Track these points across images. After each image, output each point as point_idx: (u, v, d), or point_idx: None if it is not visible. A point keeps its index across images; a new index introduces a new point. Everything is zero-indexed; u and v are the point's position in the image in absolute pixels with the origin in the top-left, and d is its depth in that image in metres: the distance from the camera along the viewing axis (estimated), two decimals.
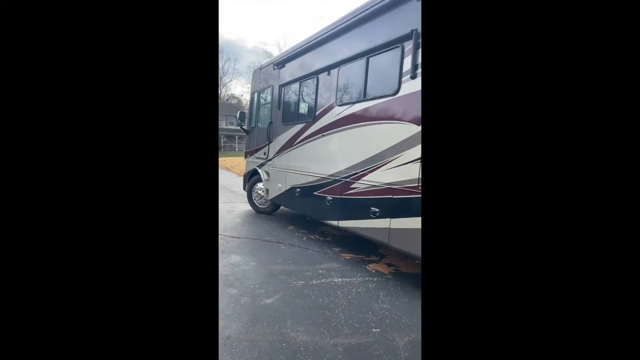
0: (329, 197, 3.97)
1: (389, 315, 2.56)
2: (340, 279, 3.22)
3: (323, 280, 3.16)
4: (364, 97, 3.50)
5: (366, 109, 3.46)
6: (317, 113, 4.31)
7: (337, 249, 4.22)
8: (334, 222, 3.93)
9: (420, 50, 2.84)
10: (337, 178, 3.85)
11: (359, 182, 3.51)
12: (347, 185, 3.68)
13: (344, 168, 3.74)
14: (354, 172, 3.58)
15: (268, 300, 2.67)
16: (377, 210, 3.27)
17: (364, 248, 4.22)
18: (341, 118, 3.82)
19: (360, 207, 3.49)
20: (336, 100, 3.94)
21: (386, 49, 3.23)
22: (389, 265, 3.75)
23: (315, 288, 2.97)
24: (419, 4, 2.83)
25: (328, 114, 4.08)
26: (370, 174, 3.36)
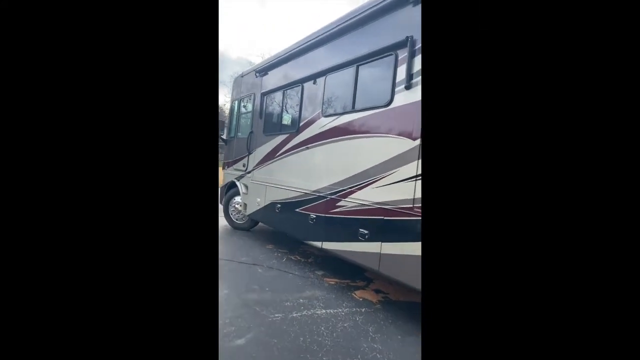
0: (313, 215, 3.62)
1: (381, 358, 2.20)
2: (324, 311, 2.84)
3: (305, 313, 2.77)
4: (353, 109, 3.22)
5: (355, 121, 3.18)
6: (301, 124, 4.00)
7: (320, 273, 3.84)
8: (318, 243, 3.56)
9: (415, 58, 2.61)
10: (322, 194, 3.52)
11: (346, 199, 3.19)
12: (333, 203, 3.35)
13: (330, 184, 3.42)
14: (341, 188, 3.26)
15: (239, 341, 2.25)
16: (366, 232, 2.94)
17: (349, 271, 3.87)
18: (328, 130, 3.52)
19: (348, 228, 3.15)
20: (322, 111, 3.65)
21: (378, 57, 2.99)
22: (377, 291, 3.41)
23: (295, 323, 2.58)
24: (415, 9, 2.62)
25: (313, 125, 3.78)
26: (359, 192, 3.05)
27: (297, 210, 3.88)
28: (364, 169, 3.00)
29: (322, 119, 3.63)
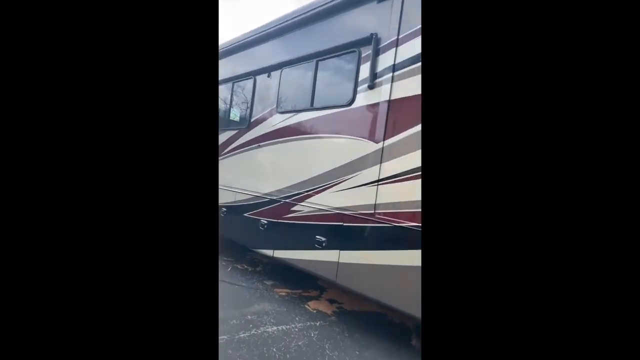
0: (263, 221, 3.30)
1: None
2: (275, 328, 2.55)
3: (254, 332, 2.45)
4: (312, 106, 3.00)
5: (314, 120, 2.97)
6: (252, 120, 3.66)
7: (269, 283, 3.53)
8: (268, 252, 3.25)
9: (380, 57, 2.48)
10: (274, 198, 3.22)
11: (302, 204, 2.95)
12: (287, 208, 3.08)
13: (283, 187, 3.14)
14: (297, 192, 3.01)
15: None
16: (323, 239, 2.73)
17: (300, 280, 3.62)
18: (282, 128, 3.25)
19: (303, 235, 2.91)
20: (277, 106, 3.36)
21: (340, 53, 2.81)
22: (331, 301, 3.22)
23: (243, 345, 2.25)
24: (379, 6, 2.50)
25: (266, 121, 3.47)
26: (316, 196, 2.83)
27: (246, 214, 3.52)
28: (322, 171, 2.79)
29: (277, 115, 3.34)
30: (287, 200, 3.09)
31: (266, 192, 3.32)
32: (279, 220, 3.15)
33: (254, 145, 3.58)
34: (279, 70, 3.38)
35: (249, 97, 3.76)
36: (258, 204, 3.40)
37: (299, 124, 3.10)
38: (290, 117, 3.19)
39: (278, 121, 3.32)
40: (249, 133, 3.67)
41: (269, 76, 3.53)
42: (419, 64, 2.19)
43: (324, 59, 2.96)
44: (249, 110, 3.74)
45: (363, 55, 2.61)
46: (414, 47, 2.26)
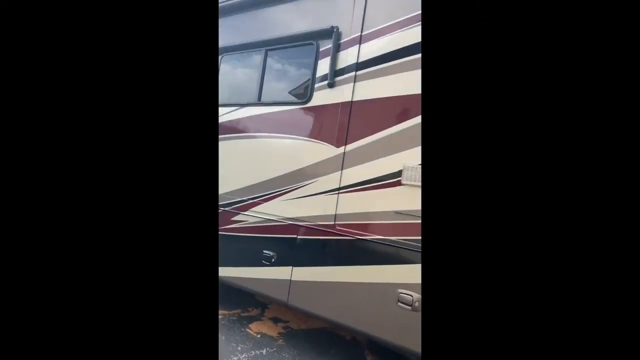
0: None
1: None
2: None
3: None
4: (259, 101, 2.62)
5: (262, 117, 2.60)
6: None
7: None
8: None
9: (340, 53, 2.27)
10: None
11: (246, 213, 2.55)
12: (226, 217, 2.63)
13: (222, 192, 2.68)
14: (239, 199, 2.59)
15: None
16: (271, 254, 2.39)
17: (236, 297, 3.17)
18: (222, 123, 2.78)
19: (247, 249, 2.52)
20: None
21: (294, 44, 2.51)
22: (275, 321, 2.88)
23: None
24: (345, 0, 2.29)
25: None
26: (264, 204, 2.47)
27: None
28: (272, 176, 2.45)
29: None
30: (226, 209, 2.64)
31: None
32: (219, 232, 2.68)
33: None
34: (220, 56, 2.89)
35: None
36: None
37: (244, 120, 2.69)
38: (231, 111, 2.75)
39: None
40: None
41: None
42: (388, 64, 2.05)
43: (274, 49, 2.61)
44: None
45: (321, 49, 2.36)
46: (379, 46, 2.11)
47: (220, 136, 2.78)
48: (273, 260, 2.37)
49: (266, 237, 2.43)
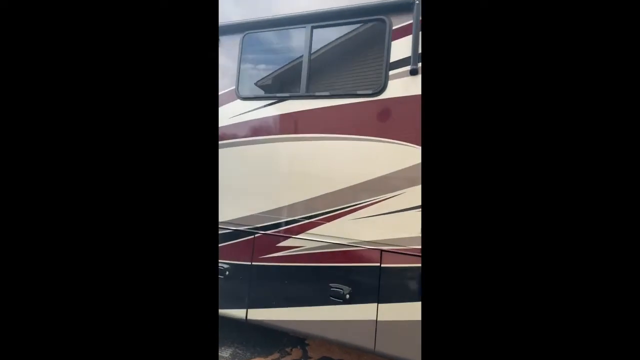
0: (224, 265, 2.13)
1: None
2: None
3: None
4: (307, 92, 2.05)
5: (310, 113, 2.04)
6: None
7: (226, 354, 2.36)
8: (236, 312, 2.11)
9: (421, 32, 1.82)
10: (244, 229, 2.11)
11: (299, 237, 1.98)
12: (270, 243, 2.04)
13: (261, 211, 2.08)
14: (288, 218, 2.01)
15: None
16: (344, 288, 1.86)
17: (261, 336, 2.55)
18: (247, 122, 2.16)
19: (305, 283, 1.96)
20: (237, 89, 2.23)
21: (354, 19, 1.99)
22: None
23: None
24: None
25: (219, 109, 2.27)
26: (326, 224, 1.93)
27: None
28: (335, 188, 1.91)
29: (238, 102, 2.21)
30: (267, 233, 2.04)
31: (228, 219, 2.16)
32: (257, 263, 2.07)
33: None
34: (240, 35, 2.24)
35: None
36: None
37: (279, 117, 2.10)
38: (262, 106, 2.14)
39: (240, 111, 2.20)
40: None
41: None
42: None
43: (323, 26, 2.06)
44: None
45: (395, 26, 1.88)
46: None
47: (246, 138, 2.15)
48: (347, 296, 1.85)
49: (334, 266, 1.90)
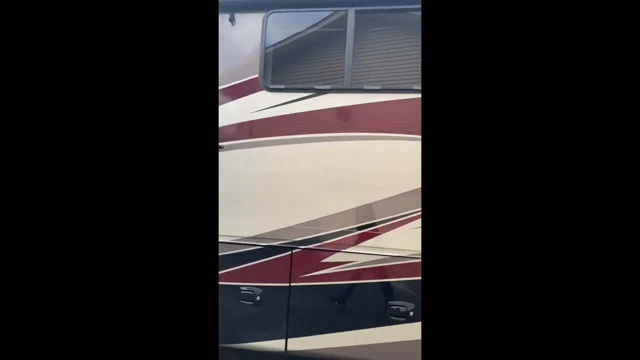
0: (255, 289, 1.79)
1: None
2: None
3: None
4: (351, 86, 1.80)
5: (356, 108, 1.79)
6: None
7: None
8: (273, 344, 1.77)
9: None
10: (278, 244, 1.79)
11: (349, 251, 1.73)
12: (311, 259, 1.76)
13: (298, 222, 1.78)
14: (335, 230, 1.75)
15: None
16: (407, 306, 1.67)
17: None
18: (279, 118, 1.84)
19: (358, 302, 1.72)
20: (263, 77, 1.88)
21: (411, 6, 1.79)
22: None
23: None
24: None
25: (237, 103, 1.90)
26: (383, 235, 1.71)
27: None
28: (394, 193, 1.71)
29: (263, 94, 1.87)
30: (312, 247, 1.76)
31: (255, 234, 1.80)
32: (297, 284, 1.76)
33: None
34: (263, 14, 1.88)
35: None
36: (233, 259, 1.81)
37: (315, 113, 1.82)
38: (296, 99, 1.83)
39: (267, 104, 1.85)
40: None
41: (231, 21, 1.93)
42: None
43: (369, 11, 1.81)
44: None
45: None
46: None
47: (277, 137, 1.82)
48: (411, 314, 1.66)
49: (394, 282, 1.69)
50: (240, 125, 1.87)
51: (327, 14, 1.87)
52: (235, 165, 1.85)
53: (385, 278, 1.71)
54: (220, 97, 1.88)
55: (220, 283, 1.79)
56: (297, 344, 1.76)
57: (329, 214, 1.76)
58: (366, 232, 1.73)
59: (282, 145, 1.82)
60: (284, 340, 1.77)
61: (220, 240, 1.80)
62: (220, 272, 1.81)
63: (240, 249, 1.82)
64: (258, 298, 1.79)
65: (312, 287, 1.76)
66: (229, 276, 1.83)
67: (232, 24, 1.93)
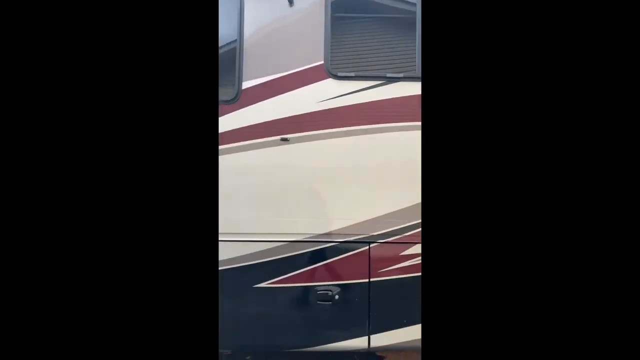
0: (332, 290, 1.70)
1: None
2: None
3: None
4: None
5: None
6: (247, 85, 1.77)
7: None
8: (356, 342, 1.70)
9: None
10: (353, 239, 1.71)
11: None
12: (392, 252, 1.71)
13: (375, 215, 1.71)
14: (411, 222, 1.71)
15: None
16: None
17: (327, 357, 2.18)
18: (350, 107, 1.75)
19: None
20: (329, 62, 1.77)
21: None
22: None
23: None
24: None
25: (297, 92, 1.77)
26: None
27: (276, 283, 1.69)
28: None
29: (329, 82, 1.76)
30: (392, 240, 1.70)
31: (327, 231, 1.71)
32: (377, 279, 1.70)
33: (267, 139, 1.74)
34: None
35: (234, 32, 1.78)
36: (299, 260, 1.70)
37: (389, 102, 1.76)
38: (371, 86, 1.75)
39: (335, 93, 1.75)
40: (241, 113, 1.75)
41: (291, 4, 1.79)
42: None
43: None
44: (235, 64, 1.77)
45: None
46: None
47: (352, 127, 1.74)
48: None
49: None
50: (308, 115, 1.74)
51: None
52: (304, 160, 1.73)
53: None
54: (283, 85, 1.74)
55: (278, 286, 1.69)
56: (382, 339, 1.71)
57: (411, 205, 1.71)
58: None
59: (359, 136, 1.73)
60: (366, 338, 1.70)
61: (292, 239, 1.69)
62: (293, 274, 1.69)
63: (315, 246, 1.71)
64: (336, 297, 1.70)
65: (394, 281, 1.71)
66: (293, 280, 1.71)
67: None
